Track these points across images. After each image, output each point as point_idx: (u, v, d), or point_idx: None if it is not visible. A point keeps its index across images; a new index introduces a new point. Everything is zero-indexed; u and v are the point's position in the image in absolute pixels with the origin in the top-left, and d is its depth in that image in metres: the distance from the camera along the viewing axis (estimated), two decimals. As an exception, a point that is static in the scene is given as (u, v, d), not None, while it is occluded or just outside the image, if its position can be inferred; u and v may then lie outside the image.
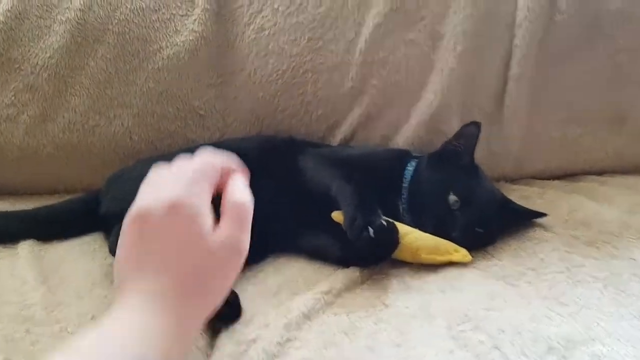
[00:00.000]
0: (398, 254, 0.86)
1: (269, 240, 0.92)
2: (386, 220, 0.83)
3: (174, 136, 1.14)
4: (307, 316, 0.77)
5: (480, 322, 0.72)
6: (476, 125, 0.93)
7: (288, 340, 0.73)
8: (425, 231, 0.87)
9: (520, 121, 1.16)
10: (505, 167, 1.19)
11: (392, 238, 0.84)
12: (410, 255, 0.85)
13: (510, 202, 0.98)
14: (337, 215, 0.89)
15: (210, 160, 0.55)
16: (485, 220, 0.90)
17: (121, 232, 0.51)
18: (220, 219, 0.52)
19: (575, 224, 0.98)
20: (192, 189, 0.51)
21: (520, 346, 0.67)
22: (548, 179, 1.20)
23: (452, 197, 0.90)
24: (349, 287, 0.83)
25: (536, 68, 1.14)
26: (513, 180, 1.20)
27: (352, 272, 0.86)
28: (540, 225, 0.98)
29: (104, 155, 1.13)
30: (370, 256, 0.85)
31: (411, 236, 0.85)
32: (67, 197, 1.06)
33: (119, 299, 0.48)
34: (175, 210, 0.49)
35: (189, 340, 0.55)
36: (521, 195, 1.11)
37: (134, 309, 0.46)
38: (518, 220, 0.97)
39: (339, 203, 0.88)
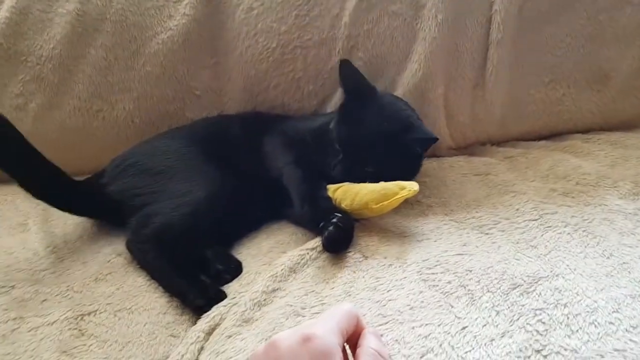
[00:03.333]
0: (357, 215, 0.91)
1: (261, 210, 1.01)
2: (340, 218, 0.86)
3: (174, 117, 1.19)
4: (293, 269, 0.83)
5: (451, 266, 0.77)
6: (342, 61, 1.01)
7: (273, 290, 0.79)
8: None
9: (503, 85, 1.18)
10: (490, 130, 1.22)
11: (348, 235, 0.87)
12: (368, 211, 0.89)
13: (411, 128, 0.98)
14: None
15: (351, 310, 0.56)
16: (371, 159, 0.95)
17: (252, 355, 0.53)
18: None
19: (555, 178, 1.02)
20: (328, 326, 0.52)
21: (486, 283, 0.72)
22: (534, 140, 1.23)
23: (335, 145, 0.97)
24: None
25: (516, 32, 1.16)
26: (499, 142, 1.23)
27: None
28: (520, 181, 1.01)
29: (108, 138, 1.19)
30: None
31: (361, 193, 0.89)
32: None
33: None
34: (309, 341, 0.50)
35: None
36: (505, 156, 1.15)
37: None
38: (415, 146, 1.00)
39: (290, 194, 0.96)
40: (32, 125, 1.17)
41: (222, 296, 0.81)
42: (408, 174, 0.98)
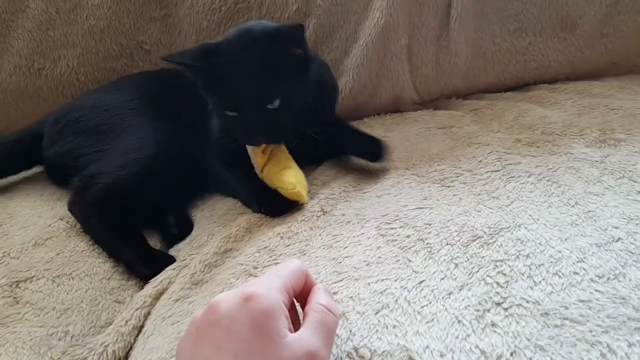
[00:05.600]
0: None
1: None
2: None
3: (121, 73, 1.12)
4: (248, 229, 0.78)
5: (410, 220, 0.73)
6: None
7: (226, 250, 0.75)
8: None
9: (468, 34, 1.14)
10: (455, 82, 1.19)
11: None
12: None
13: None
14: None
15: (299, 266, 0.52)
16: (264, 94, 0.77)
17: (191, 321, 0.48)
18: (302, 323, 0.49)
19: (520, 128, 0.98)
20: (272, 283, 0.48)
21: (445, 236, 0.68)
22: (500, 91, 1.20)
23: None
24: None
25: (480, -22, 1.12)
26: (465, 95, 1.20)
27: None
28: (485, 132, 0.98)
29: (53, 97, 1.12)
30: None
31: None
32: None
33: None
34: (249, 300, 0.46)
35: None
36: (470, 109, 1.11)
37: None
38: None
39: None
40: (-30, 85, 1.10)
41: (170, 262, 0.76)
42: (309, 92, 0.83)
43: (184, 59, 0.79)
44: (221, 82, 0.77)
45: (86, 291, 0.72)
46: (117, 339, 0.65)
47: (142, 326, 0.67)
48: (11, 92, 1.11)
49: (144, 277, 0.76)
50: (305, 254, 0.70)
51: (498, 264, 0.63)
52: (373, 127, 1.09)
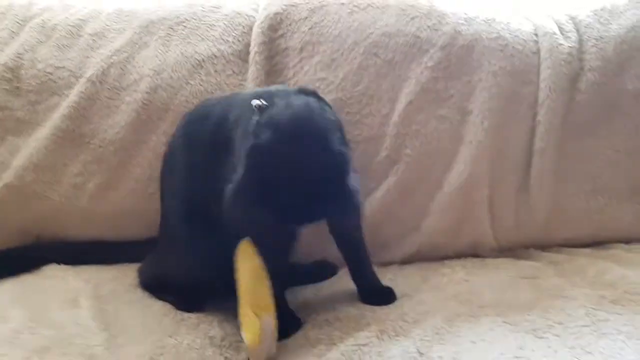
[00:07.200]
0: None
1: None
2: None
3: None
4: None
5: (508, 370, 0.76)
6: None
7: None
8: None
9: (546, 192, 1.21)
10: (533, 234, 1.24)
11: None
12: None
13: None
14: None
15: None
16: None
17: None
18: None
19: (602, 285, 1.02)
20: None
21: (548, 389, 0.71)
22: (577, 246, 1.24)
23: None
24: (385, 331, 0.89)
25: (559, 142, 1.21)
26: (543, 247, 1.24)
27: (389, 322, 0.92)
28: (569, 286, 1.02)
29: (157, 219, 1.20)
30: None
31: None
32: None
33: None
34: None
35: None
36: (550, 261, 1.16)
37: None
38: None
39: None
40: (87, 203, 1.21)
41: None
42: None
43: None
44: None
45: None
46: None
47: None
48: (123, 213, 1.22)
49: None
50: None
51: (605, 419, 0.66)
52: (454, 269, 1.14)
